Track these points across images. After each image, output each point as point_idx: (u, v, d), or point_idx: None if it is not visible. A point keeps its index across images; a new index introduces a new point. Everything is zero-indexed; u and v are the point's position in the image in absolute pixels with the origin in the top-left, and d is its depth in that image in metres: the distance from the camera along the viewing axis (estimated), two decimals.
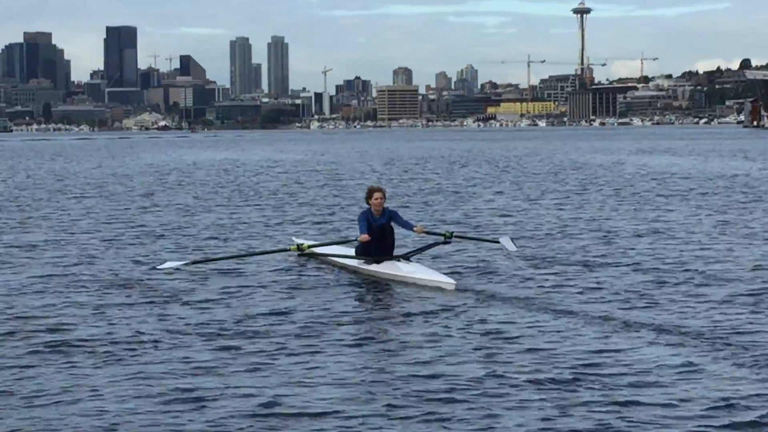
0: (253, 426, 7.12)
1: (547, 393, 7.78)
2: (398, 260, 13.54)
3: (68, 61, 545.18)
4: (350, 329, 10.21)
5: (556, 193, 29.25)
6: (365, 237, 13.41)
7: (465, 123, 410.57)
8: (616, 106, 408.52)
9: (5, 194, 32.19)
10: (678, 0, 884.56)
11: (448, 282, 12.54)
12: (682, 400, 7.57)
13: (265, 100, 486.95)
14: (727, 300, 11.55)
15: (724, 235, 17.91)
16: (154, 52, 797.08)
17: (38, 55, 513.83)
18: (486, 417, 7.25)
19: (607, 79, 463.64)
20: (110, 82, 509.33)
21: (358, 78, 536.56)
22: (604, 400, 7.60)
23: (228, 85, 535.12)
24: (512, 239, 15.15)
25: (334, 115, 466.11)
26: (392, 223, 13.71)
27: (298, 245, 14.46)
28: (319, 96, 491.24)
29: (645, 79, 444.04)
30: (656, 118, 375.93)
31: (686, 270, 13.76)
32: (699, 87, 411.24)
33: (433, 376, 8.28)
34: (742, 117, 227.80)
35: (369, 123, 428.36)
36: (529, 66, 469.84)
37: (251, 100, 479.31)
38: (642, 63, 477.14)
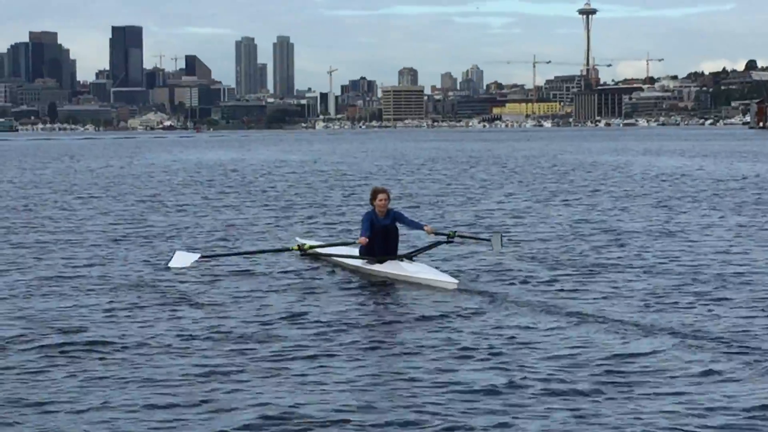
0: None
1: (565, 400, 7.65)
2: (401, 260, 13.59)
3: (74, 61, 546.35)
4: (361, 333, 10.11)
5: (566, 194, 29.10)
6: (364, 240, 13.47)
7: (470, 123, 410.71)
8: (621, 107, 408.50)
9: (12, 194, 32.10)
10: (683, 1, 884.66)
11: (450, 281, 12.62)
12: (703, 407, 7.44)
13: (271, 100, 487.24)
14: (746, 303, 11.42)
15: (739, 237, 17.76)
16: (159, 52, 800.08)
17: (44, 55, 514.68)
18: (506, 426, 7.13)
19: (613, 80, 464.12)
20: (116, 82, 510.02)
21: (363, 78, 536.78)
22: (622, 408, 7.46)
23: (233, 85, 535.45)
24: (502, 238, 15.16)
25: (339, 116, 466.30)
26: (398, 224, 13.76)
27: (300, 245, 14.54)
28: (324, 96, 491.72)
29: (650, 80, 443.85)
30: (662, 119, 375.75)
31: (702, 273, 13.61)
32: (704, 88, 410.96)
33: (450, 383, 8.14)
34: (747, 118, 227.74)
35: (374, 123, 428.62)
36: (534, 66, 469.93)
37: (256, 100, 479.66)
38: (647, 64, 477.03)
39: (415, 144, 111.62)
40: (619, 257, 15.22)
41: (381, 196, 13.63)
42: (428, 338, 9.76)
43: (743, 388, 7.92)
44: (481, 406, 7.55)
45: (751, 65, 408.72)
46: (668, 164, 49.64)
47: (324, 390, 7.97)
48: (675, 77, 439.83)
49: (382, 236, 13.52)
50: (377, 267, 13.54)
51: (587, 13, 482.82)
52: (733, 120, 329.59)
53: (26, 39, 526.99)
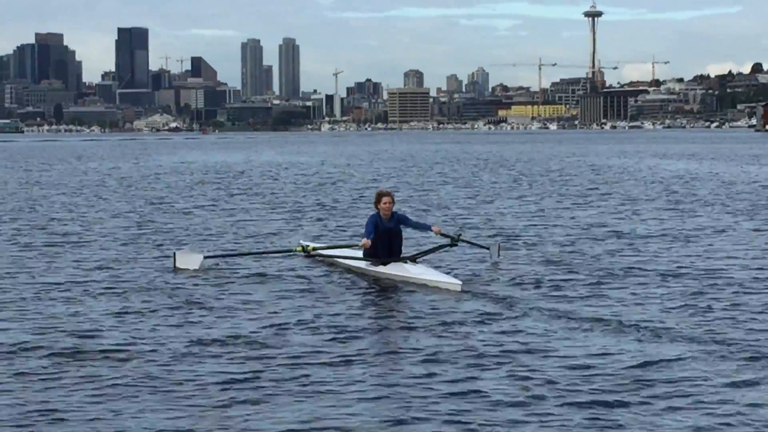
0: None
1: (582, 409, 7.52)
2: (405, 262, 13.65)
3: (79, 62, 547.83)
4: (375, 338, 10.04)
5: (575, 197, 28.93)
6: (367, 243, 13.54)
7: (476, 126, 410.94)
8: (627, 110, 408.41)
9: (19, 195, 32.03)
10: (689, 3, 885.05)
11: (454, 283, 12.63)
12: (728, 417, 7.30)
13: (276, 102, 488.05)
14: (767, 308, 11.23)
15: (755, 241, 17.60)
16: (165, 54, 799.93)
17: (50, 56, 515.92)
18: None
19: (619, 83, 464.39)
20: (121, 84, 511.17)
21: (369, 80, 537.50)
22: (641, 418, 7.32)
23: (239, 87, 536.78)
24: (500, 248, 15.18)
25: (344, 118, 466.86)
26: (403, 227, 13.84)
27: (303, 247, 14.55)
28: (330, 98, 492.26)
29: (656, 83, 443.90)
30: (667, 121, 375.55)
31: (720, 277, 13.45)
32: (710, 91, 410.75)
33: (468, 392, 8.01)
34: (753, 121, 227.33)
35: (380, 125, 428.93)
36: (540, 69, 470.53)
37: (262, 102, 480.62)
38: (653, 66, 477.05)
39: (420, 146, 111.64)
40: (633, 261, 15.04)
41: (385, 199, 13.69)
42: (442, 344, 9.61)
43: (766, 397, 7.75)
44: (498, 415, 7.43)
45: (757, 68, 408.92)
46: (678, 167, 49.49)
47: (341, 398, 7.85)
48: (681, 80, 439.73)
49: (386, 239, 13.59)
50: (382, 269, 13.59)
51: (593, 15, 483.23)
52: (738, 123, 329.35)
53: (32, 40, 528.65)
